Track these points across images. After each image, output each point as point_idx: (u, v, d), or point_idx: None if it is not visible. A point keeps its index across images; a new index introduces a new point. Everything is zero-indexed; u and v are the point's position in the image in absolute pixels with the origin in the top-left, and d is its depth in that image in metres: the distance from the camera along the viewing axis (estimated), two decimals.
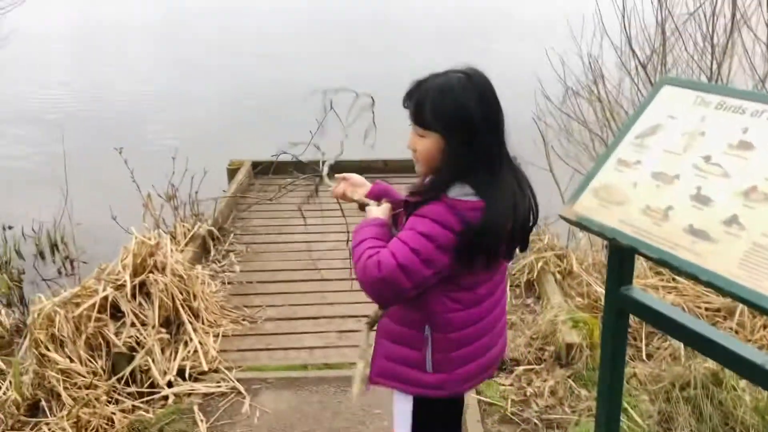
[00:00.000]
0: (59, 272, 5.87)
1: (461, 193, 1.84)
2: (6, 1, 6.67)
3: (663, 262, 2.06)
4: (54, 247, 6.22)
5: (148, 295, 3.72)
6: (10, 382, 3.44)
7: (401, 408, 2.09)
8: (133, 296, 3.69)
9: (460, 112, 1.83)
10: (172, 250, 4.11)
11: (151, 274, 3.72)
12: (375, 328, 2.06)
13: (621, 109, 5.02)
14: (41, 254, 6.18)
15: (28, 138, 10.10)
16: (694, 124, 2.14)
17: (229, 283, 4.42)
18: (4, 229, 6.48)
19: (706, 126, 2.12)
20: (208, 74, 15.35)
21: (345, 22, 22.52)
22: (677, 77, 2.54)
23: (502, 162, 1.95)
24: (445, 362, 1.99)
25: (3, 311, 4.61)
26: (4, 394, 3.40)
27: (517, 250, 2.13)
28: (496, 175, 1.90)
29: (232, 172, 6.17)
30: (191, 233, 4.76)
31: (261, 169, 6.32)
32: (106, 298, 3.58)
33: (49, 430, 3.14)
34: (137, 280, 3.71)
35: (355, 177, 2.23)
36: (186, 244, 4.68)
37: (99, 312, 3.60)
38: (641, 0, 4.90)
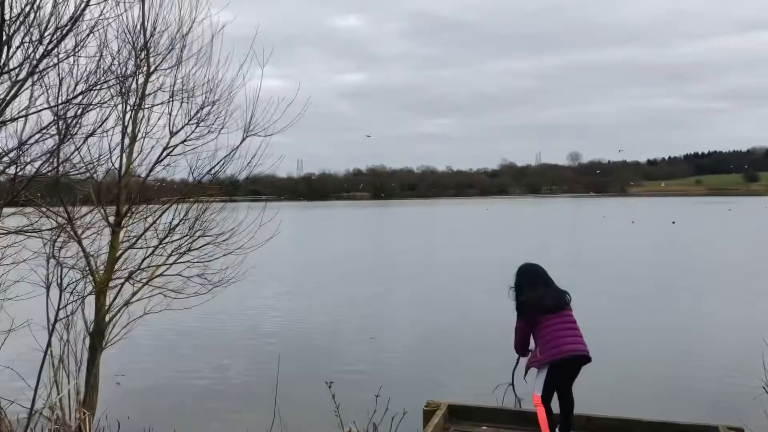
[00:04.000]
0: None
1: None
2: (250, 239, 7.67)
3: None
4: None
5: None
6: None
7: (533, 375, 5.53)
8: None
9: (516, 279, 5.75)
10: None
11: None
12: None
13: None
14: None
15: (241, 357, 10.95)
16: None
17: None
18: None
19: None
20: (413, 306, 16.01)
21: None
22: None
23: (540, 286, 5.59)
24: (543, 351, 5.35)
25: None
26: None
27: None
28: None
29: (427, 414, 6.12)
30: None
31: (456, 413, 6.24)
32: None
33: None
34: None
35: None
36: None
37: None
38: None
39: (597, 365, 5.54)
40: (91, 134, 6.34)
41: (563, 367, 5.38)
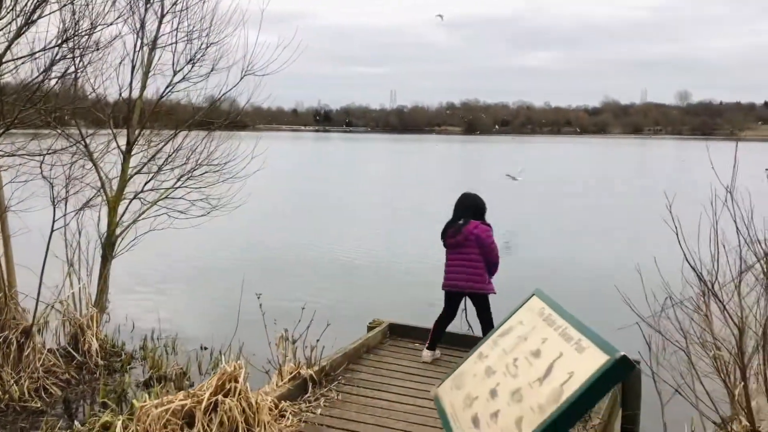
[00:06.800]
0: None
1: None
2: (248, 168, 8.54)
3: None
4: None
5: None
6: None
7: None
8: (207, 411, 4.54)
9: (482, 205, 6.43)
10: (274, 382, 4.98)
11: (222, 396, 4.55)
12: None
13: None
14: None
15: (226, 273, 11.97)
16: (526, 330, 2.44)
17: (304, 421, 5.04)
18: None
19: (532, 333, 2.40)
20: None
21: None
22: (543, 291, 2.73)
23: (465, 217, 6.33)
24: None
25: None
26: None
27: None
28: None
29: (370, 329, 6.92)
30: (294, 372, 5.54)
31: (396, 331, 7.00)
32: (183, 406, 4.48)
33: None
34: (213, 399, 4.57)
35: None
36: (289, 381, 5.47)
37: (181, 418, 4.51)
38: None
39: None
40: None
41: None
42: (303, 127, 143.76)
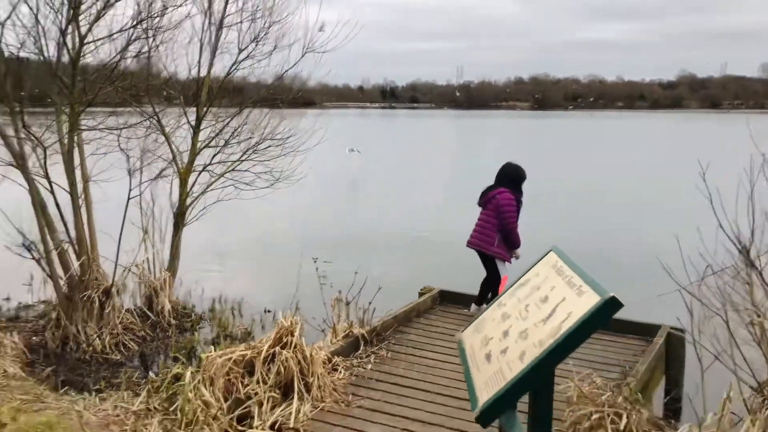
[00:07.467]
0: None
1: None
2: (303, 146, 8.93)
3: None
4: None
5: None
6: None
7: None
8: (266, 362, 4.98)
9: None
10: (328, 339, 5.44)
11: (279, 348, 4.97)
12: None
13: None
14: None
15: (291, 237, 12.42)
16: (540, 281, 2.71)
17: (355, 375, 5.43)
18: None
19: (544, 283, 2.67)
20: None
21: None
22: (559, 248, 2.95)
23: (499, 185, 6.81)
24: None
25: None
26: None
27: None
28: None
29: (421, 296, 7.24)
30: (347, 331, 5.94)
31: (446, 297, 7.30)
32: (244, 356, 4.94)
33: None
34: (271, 350, 5.00)
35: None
36: (342, 338, 5.88)
37: (243, 367, 4.97)
38: None
39: None
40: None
41: None
42: (369, 104, 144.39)
